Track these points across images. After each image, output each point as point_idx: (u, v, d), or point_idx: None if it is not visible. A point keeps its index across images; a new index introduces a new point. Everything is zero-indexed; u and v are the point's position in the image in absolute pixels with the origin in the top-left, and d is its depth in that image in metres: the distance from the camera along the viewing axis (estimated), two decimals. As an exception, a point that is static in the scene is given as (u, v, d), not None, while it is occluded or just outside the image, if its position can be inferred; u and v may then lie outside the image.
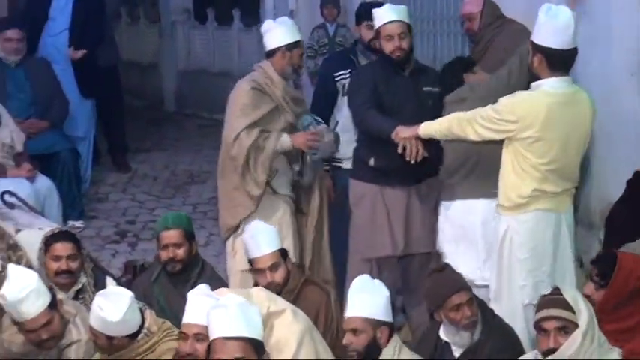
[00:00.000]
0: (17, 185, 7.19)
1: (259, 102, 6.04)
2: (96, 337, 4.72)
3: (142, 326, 4.72)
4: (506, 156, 5.25)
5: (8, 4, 8.79)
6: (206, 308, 4.35)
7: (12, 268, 5.11)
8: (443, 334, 4.83)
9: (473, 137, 5.34)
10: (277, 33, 6.15)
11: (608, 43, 6.38)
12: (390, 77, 6.06)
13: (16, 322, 4.93)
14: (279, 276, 5.46)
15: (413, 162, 5.59)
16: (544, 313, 4.35)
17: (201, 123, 12.56)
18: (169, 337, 4.76)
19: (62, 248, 5.47)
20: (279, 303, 5.03)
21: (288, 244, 6.03)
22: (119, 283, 5.80)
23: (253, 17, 12.06)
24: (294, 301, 5.42)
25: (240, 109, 6.02)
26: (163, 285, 5.63)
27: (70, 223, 7.94)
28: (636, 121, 6.35)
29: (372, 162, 6.11)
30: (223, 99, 6.29)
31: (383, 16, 6.08)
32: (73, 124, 8.86)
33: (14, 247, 5.99)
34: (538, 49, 5.07)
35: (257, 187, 6.02)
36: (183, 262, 5.62)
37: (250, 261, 5.58)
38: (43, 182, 7.56)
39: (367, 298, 4.60)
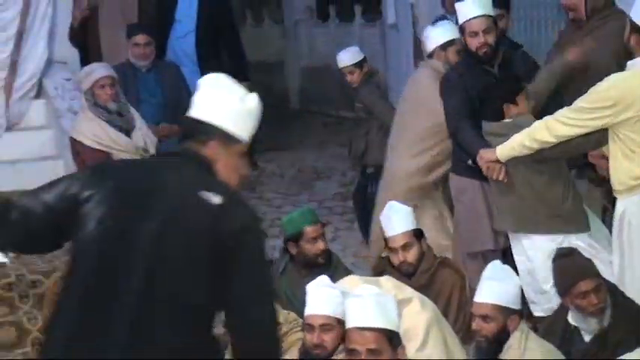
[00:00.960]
0: None
1: None
2: None
3: None
4: (613, 145, 5.18)
5: (138, 11, 8.95)
6: (328, 299, 4.51)
7: None
8: (571, 319, 4.84)
9: (553, 140, 5.26)
10: (432, 35, 6.57)
11: None
12: (478, 78, 6.02)
13: None
14: (411, 256, 5.60)
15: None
16: None
17: (325, 120, 12.68)
18: (297, 329, 4.91)
19: None
20: (407, 292, 5.09)
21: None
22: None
23: (374, 12, 12.14)
24: (428, 282, 5.64)
25: None
26: (291, 278, 5.79)
27: None
28: None
29: (469, 162, 6.09)
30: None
31: (466, 11, 6.07)
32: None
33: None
34: (637, 28, 5.00)
35: None
36: (328, 253, 5.82)
37: (386, 240, 5.74)
38: None
39: (498, 286, 4.64)
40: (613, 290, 4.88)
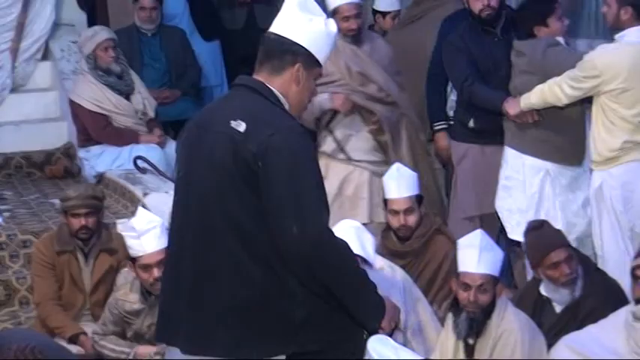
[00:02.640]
0: (149, 150, 7.55)
1: None
2: None
3: None
4: (595, 112, 5.33)
5: None
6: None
7: (142, 209, 5.55)
8: (544, 290, 4.89)
9: (565, 100, 5.45)
10: None
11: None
12: (482, 40, 6.13)
13: (132, 260, 5.22)
14: (412, 220, 5.63)
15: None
16: (639, 260, 4.45)
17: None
18: None
19: None
20: (378, 260, 5.08)
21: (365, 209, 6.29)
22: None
23: None
24: (422, 247, 5.64)
25: None
26: None
27: None
28: None
29: (471, 123, 6.23)
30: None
31: None
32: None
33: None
34: (627, 1, 5.11)
35: None
36: None
37: (385, 201, 5.74)
38: (173, 148, 7.70)
39: (492, 256, 4.69)
40: (585, 261, 4.96)
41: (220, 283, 3.60)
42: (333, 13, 6.11)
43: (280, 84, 3.65)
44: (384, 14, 7.93)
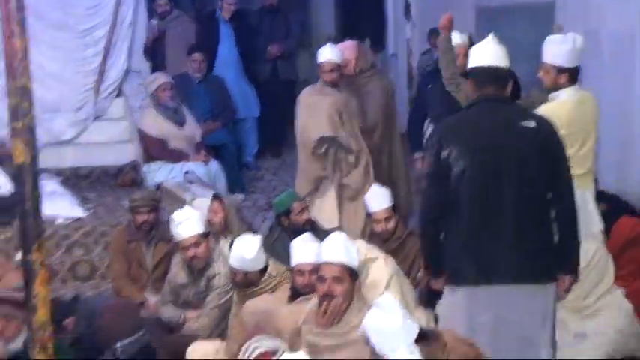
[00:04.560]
0: (195, 167, 7.64)
1: None
2: (234, 275, 4.83)
3: (265, 269, 4.84)
4: None
5: (195, 35, 9.01)
6: (312, 250, 4.32)
7: (186, 207, 5.58)
8: None
9: None
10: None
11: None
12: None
13: (177, 245, 5.31)
14: (391, 225, 5.57)
15: None
16: None
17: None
18: (286, 280, 4.84)
19: (218, 208, 5.90)
20: (375, 252, 5.02)
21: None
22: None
23: (380, 44, 11.93)
24: (399, 247, 5.56)
25: None
26: (283, 243, 5.45)
27: (234, 195, 8.05)
28: None
29: None
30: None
31: None
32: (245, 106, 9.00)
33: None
34: (562, 69, 5.00)
35: None
36: (311, 222, 5.66)
37: (369, 214, 5.67)
38: (214, 165, 7.80)
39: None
40: None
41: (533, 230, 3.90)
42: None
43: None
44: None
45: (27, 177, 3.52)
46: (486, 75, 4.05)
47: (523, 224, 3.89)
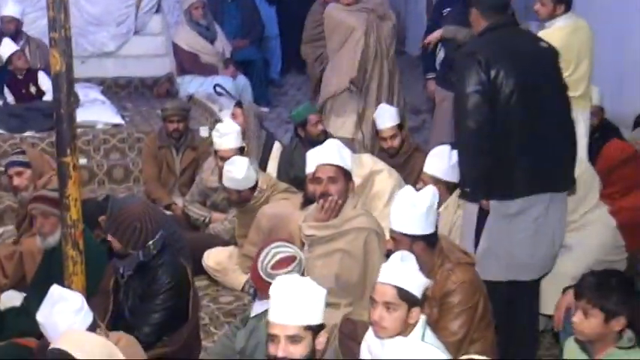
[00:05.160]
0: (224, 80, 7.62)
1: None
2: (230, 194, 4.93)
3: (256, 186, 4.90)
4: None
5: None
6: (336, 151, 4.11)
7: (228, 120, 5.55)
8: None
9: None
10: None
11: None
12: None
13: (215, 152, 5.27)
14: (397, 142, 5.53)
15: None
16: None
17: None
18: (276, 191, 4.92)
19: (238, 112, 5.87)
20: (380, 165, 5.10)
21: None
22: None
23: None
24: (405, 161, 5.50)
25: None
26: (299, 152, 5.49)
27: (260, 108, 7.99)
28: None
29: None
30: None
31: None
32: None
33: (217, 120, 6.46)
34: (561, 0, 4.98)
35: None
36: (325, 133, 5.57)
37: (377, 131, 5.61)
38: (242, 79, 7.82)
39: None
40: None
41: (563, 142, 3.96)
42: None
43: None
44: None
45: (62, 84, 3.56)
46: (497, 3, 4.00)
47: (560, 136, 3.92)
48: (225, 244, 5.15)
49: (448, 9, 6.15)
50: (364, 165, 5.00)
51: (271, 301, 2.83)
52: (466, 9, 4.26)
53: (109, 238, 3.80)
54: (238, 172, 4.83)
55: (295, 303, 2.77)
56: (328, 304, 2.97)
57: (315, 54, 6.69)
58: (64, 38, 3.45)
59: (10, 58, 6.80)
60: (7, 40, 6.89)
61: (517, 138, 3.81)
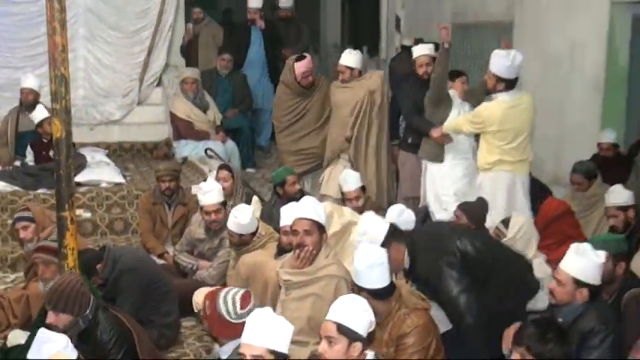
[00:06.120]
0: (215, 145, 7.61)
1: None
2: (231, 237, 4.89)
3: (257, 231, 4.88)
4: (482, 141, 5.27)
5: (223, 38, 8.94)
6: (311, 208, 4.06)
7: (210, 180, 5.46)
8: None
9: (467, 132, 5.37)
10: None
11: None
12: (421, 89, 5.83)
13: (201, 207, 5.20)
14: (360, 203, 5.39)
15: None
16: None
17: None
18: (272, 239, 4.86)
19: (227, 176, 5.86)
20: (357, 217, 4.81)
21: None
22: (263, 204, 5.93)
23: (375, 51, 11.87)
24: None
25: None
26: (279, 207, 5.18)
27: (247, 169, 8.07)
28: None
29: (409, 140, 6.07)
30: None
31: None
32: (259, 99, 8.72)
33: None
34: (501, 79, 5.04)
35: None
36: (302, 192, 5.53)
37: (343, 193, 5.50)
38: (231, 144, 7.80)
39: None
40: None
41: None
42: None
43: None
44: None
45: (62, 148, 3.58)
46: None
47: None
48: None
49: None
50: (345, 215, 4.99)
51: (245, 329, 2.83)
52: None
53: (53, 320, 3.49)
54: (244, 217, 4.81)
55: (264, 329, 2.79)
56: (299, 342, 2.96)
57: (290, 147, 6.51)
58: (64, 109, 3.47)
59: (41, 122, 6.75)
60: (40, 106, 6.84)
61: None
